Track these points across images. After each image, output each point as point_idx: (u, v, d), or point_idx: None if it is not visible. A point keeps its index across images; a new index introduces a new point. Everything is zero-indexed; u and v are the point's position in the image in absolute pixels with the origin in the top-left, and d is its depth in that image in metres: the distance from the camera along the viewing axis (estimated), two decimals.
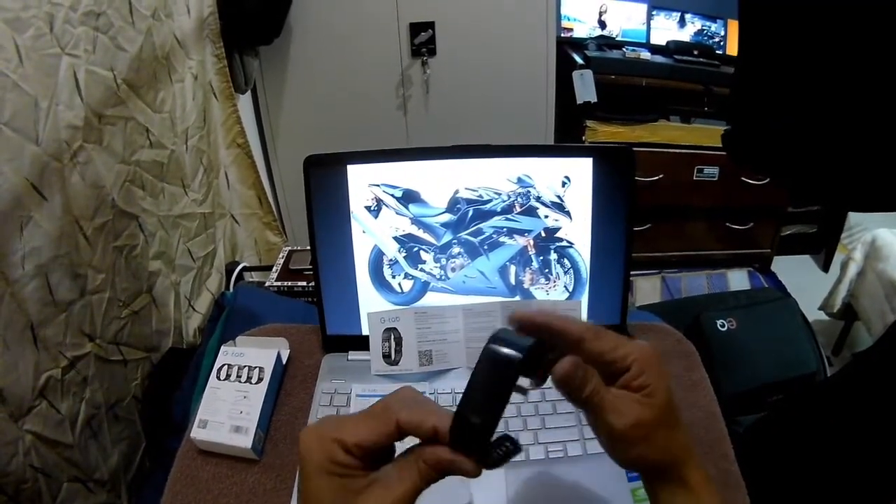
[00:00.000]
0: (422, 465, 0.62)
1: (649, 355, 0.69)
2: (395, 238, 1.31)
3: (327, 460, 0.59)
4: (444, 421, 0.62)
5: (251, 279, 2.54)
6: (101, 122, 1.66)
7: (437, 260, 1.33)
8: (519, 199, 1.29)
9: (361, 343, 1.32)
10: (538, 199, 1.29)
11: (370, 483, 0.61)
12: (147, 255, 1.92)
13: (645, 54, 3.45)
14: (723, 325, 2.51)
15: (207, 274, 2.37)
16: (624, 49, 3.48)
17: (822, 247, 4.04)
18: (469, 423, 0.61)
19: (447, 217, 1.29)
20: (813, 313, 3.04)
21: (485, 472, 1.13)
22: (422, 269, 1.33)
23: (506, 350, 0.63)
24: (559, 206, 1.29)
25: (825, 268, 4.01)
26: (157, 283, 1.98)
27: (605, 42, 3.53)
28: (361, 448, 0.61)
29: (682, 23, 3.59)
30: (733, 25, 3.56)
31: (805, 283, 3.68)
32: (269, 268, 2.35)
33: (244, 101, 3.06)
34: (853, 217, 3.92)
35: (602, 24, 3.57)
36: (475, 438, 0.62)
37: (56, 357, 1.49)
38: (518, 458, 1.13)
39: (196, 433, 1.18)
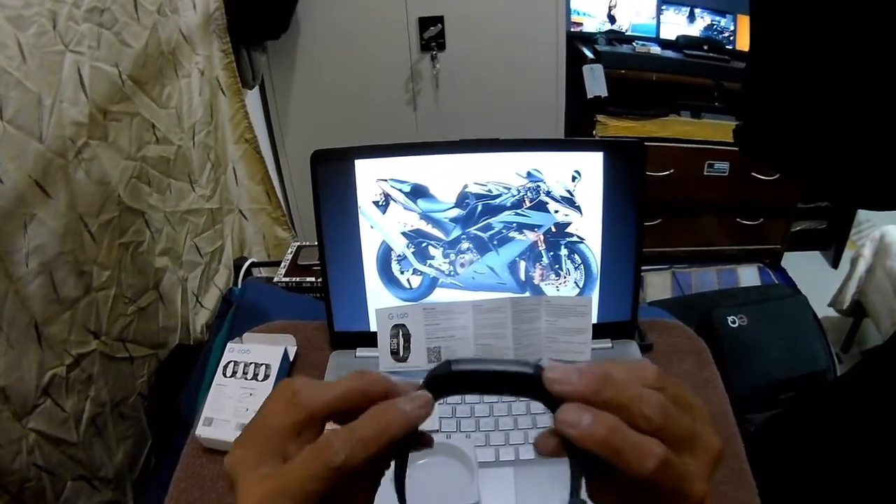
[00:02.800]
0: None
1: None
2: (404, 233, 1.29)
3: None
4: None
5: (259, 275, 2.53)
6: (106, 118, 1.65)
7: (445, 255, 1.31)
8: (529, 194, 1.27)
9: (369, 339, 1.31)
10: (548, 193, 1.27)
11: None
12: (153, 251, 1.91)
13: (655, 49, 3.42)
14: (734, 322, 2.50)
15: (215, 270, 2.36)
16: (634, 43, 3.46)
17: (832, 243, 4.02)
18: None
19: (456, 212, 1.28)
20: (822, 310, 3.02)
21: (492, 472, 1.12)
22: (430, 265, 1.32)
23: None
24: (569, 201, 1.28)
25: (834, 264, 4.00)
26: (163, 280, 1.97)
27: (615, 36, 3.51)
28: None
29: (691, 17, 3.56)
30: (743, 20, 3.53)
31: (814, 279, 3.67)
32: (277, 263, 2.34)
33: (252, 97, 3.05)
34: (862, 213, 3.91)
35: (612, 19, 3.54)
36: None
37: (61, 355, 1.48)
38: (527, 456, 1.13)
39: (201, 431, 1.17)
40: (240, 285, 2.31)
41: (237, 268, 2.43)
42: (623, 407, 0.51)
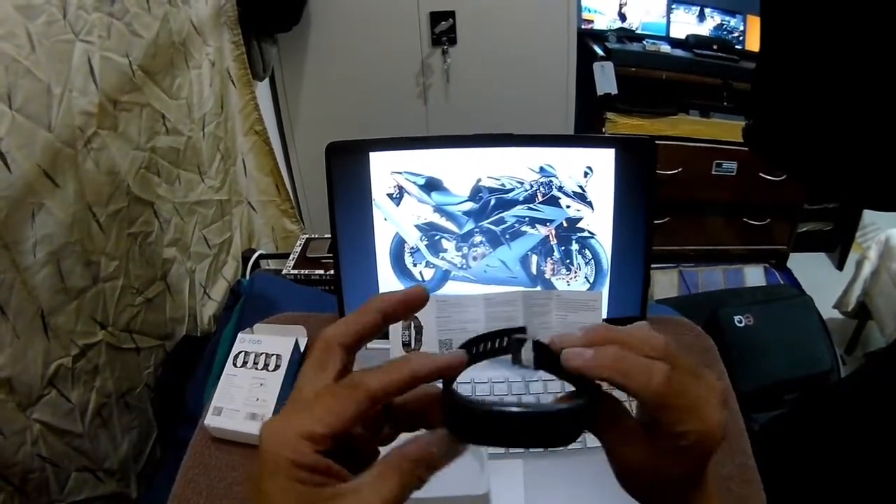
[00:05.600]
0: (405, 464, 0.49)
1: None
2: (417, 226, 1.29)
3: (292, 464, 0.47)
4: (426, 363, 0.52)
5: (268, 267, 2.53)
6: (116, 108, 1.65)
7: (458, 248, 1.31)
8: (541, 189, 1.27)
9: None
10: (560, 188, 1.27)
11: (340, 493, 0.48)
12: (162, 242, 1.91)
13: (665, 47, 3.43)
14: (740, 321, 2.50)
15: (223, 261, 2.36)
16: (644, 42, 3.46)
17: (838, 245, 4.02)
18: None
19: (469, 205, 1.28)
20: (827, 311, 3.01)
21: (501, 464, 1.12)
22: (443, 258, 1.32)
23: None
24: (581, 197, 1.28)
25: (840, 266, 3.99)
26: (171, 271, 1.96)
27: (626, 34, 3.50)
28: (335, 437, 0.48)
29: (701, 17, 3.56)
30: (752, 20, 3.53)
31: (819, 280, 3.66)
32: (285, 255, 2.35)
33: (262, 89, 3.05)
34: (868, 216, 3.90)
35: (622, 17, 3.54)
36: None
37: (67, 345, 1.48)
38: (535, 448, 1.12)
39: (210, 420, 1.16)
40: (248, 277, 2.31)
41: (245, 259, 2.43)
42: (628, 345, 0.53)
